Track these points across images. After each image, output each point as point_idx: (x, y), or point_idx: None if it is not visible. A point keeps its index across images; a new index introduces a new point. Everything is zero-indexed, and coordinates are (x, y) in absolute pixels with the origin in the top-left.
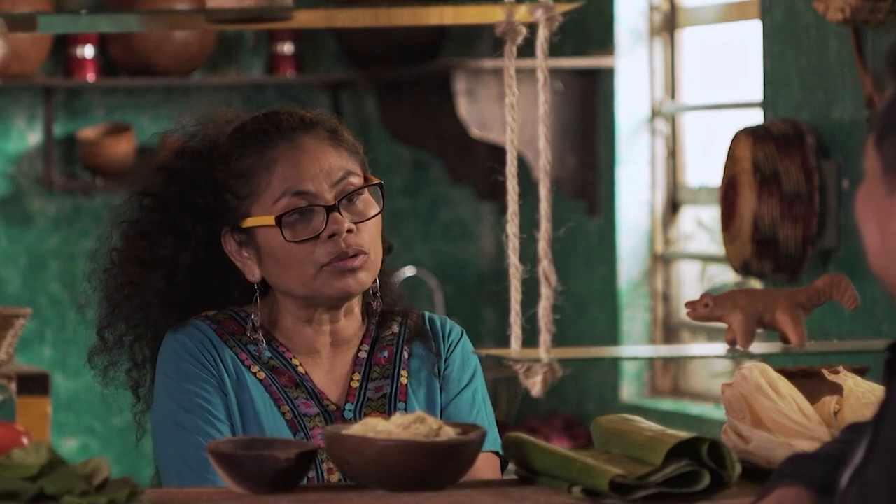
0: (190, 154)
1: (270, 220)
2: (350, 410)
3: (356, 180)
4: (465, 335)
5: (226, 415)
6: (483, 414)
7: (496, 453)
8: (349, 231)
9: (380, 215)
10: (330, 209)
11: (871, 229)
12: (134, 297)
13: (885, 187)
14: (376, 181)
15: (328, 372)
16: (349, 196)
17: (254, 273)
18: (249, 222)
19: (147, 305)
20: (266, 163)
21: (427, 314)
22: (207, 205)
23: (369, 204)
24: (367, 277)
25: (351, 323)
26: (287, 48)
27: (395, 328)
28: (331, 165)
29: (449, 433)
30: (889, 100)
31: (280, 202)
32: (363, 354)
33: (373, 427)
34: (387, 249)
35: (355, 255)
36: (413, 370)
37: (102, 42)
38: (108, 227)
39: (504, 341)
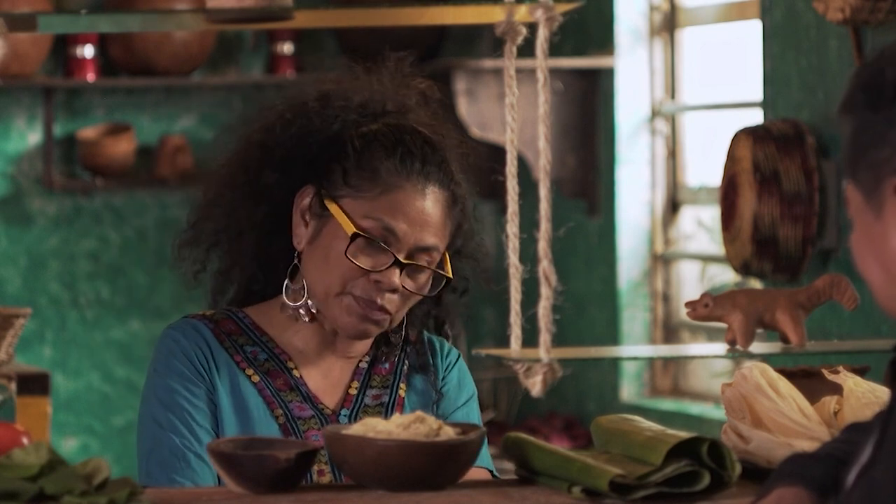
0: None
1: (350, 227)
2: (345, 415)
3: (435, 256)
4: (461, 358)
5: (211, 423)
6: None
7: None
8: (394, 291)
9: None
10: (397, 263)
11: (872, 266)
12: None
13: (871, 213)
14: (448, 274)
15: (325, 376)
16: (417, 266)
17: (300, 242)
18: (333, 208)
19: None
20: (388, 182)
21: (425, 334)
22: (318, 148)
23: (427, 281)
24: (374, 332)
25: (358, 345)
26: (287, 48)
27: (397, 341)
28: (430, 231)
29: (449, 433)
30: (848, 135)
31: (368, 221)
32: (364, 365)
33: (373, 427)
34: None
35: (380, 310)
36: (411, 384)
37: (102, 42)
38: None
39: (504, 341)
